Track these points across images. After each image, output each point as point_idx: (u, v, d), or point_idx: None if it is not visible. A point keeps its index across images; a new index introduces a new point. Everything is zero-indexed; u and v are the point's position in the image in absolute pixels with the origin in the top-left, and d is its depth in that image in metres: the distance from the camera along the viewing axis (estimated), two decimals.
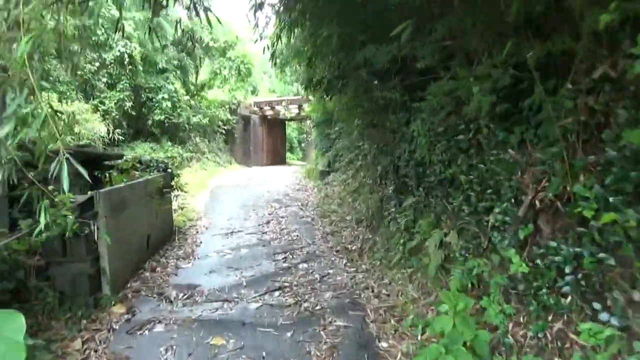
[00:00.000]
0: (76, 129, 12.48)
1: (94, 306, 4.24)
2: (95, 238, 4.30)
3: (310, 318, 4.04)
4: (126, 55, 15.29)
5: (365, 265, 5.47)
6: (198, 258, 6.23)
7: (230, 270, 5.60)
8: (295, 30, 6.32)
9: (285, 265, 5.75)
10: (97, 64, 15.04)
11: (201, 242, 7.17)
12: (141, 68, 16.33)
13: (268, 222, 8.63)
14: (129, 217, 5.20)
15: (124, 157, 7.03)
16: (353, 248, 6.29)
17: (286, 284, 4.94)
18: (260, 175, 18.57)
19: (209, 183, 15.44)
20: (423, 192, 4.46)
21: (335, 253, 6.22)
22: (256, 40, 7.50)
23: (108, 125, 14.75)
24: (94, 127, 13.02)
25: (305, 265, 5.71)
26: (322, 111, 17.53)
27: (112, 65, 15.36)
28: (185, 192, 8.54)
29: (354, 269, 5.41)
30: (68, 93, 14.10)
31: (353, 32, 4.82)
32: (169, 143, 18.04)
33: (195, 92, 21.08)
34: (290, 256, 6.17)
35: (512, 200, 3.17)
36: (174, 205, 8.12)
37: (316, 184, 13.79)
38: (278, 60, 17.11)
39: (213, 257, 6.25)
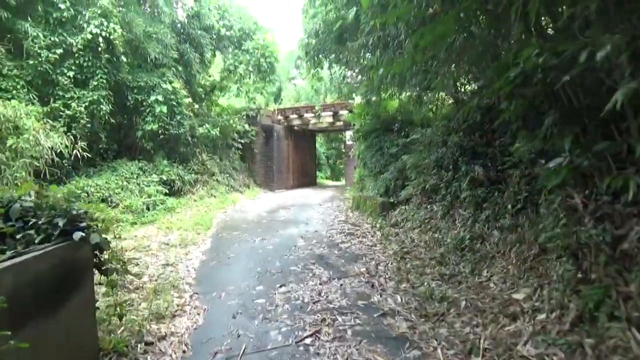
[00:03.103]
0: (10, 142, 8.40)
1: None
2: None
3: None
4: (101, 39, 11.28)
5: None
6: None
7: None
8: None
9: None
10: (60, 50, 11.06)
11: None
12: (125, 59, 12.30)
13: (315, 334, 4.16)
14: None
15: None
16: None
17: None
18: (287, 205, 14.22)
19: (215, 219, 11.17)
20: None
21: None
22: None
23: (73, 136, 10.70)
24: (39, 138, 8.90)
25: None
26: (372, 115, 13.28)
27: (82, 53, 11.36)
28: (135, 275, 4.18)
29: None
30: (15, 91, 10.16)
31: None
32: (165, 162, 13.92)
33: (202, 95, 17.02)
34: None
35: None
36: (102, 305, 3.81)
37: (375, 223, 9.32)
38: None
39: None
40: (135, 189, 12.27)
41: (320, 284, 5.70)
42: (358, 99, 18.15)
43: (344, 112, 19.78)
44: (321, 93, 32.19)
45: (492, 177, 6.49)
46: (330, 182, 31.51)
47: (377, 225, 8.92)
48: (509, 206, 5.74)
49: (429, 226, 7.61)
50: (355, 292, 5.31)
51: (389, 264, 6.37)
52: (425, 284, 5.23)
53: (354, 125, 15.70)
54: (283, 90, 36.04)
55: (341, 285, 5.60)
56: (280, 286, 5.68)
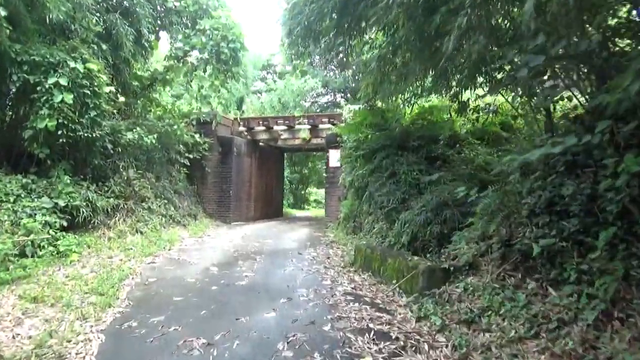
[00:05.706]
0: None
1: None
2: None
3: None
4: None
5: None
6: None
7: None
8: None
9: None
10: None
11: None
12: (4, 14, 7.98)
13: None
14: None
15: None
16: None
17: None
18: (250, 251, 9.90)
19: (128, 282, 6.81)
20: None
21: None
22: None
23: None
24: None
25: None
26: (383, 126, 9.50)
27: None
28: None
29: None
30: None
31: None
32: (68, 178, 9.38)
33: (137, 90, 12.67)
34: None
35: None
36: None
37: (423, 311, 5.19)
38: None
39: None
40: (7, 220, 7.77)
41: None
42: (349, 109, 14.36)
43: (325, 126, 15.92)
44: (289, 107, 28.40)
45: None
46: (298, 213, 27.34)
47: (432, 319, 4.83)
48: None
49: (567, 340, 3.64)
50: None
51: None
52: None
53: (346, 140, 11.85)
54: (244, 103, 31.98)
55: None
56: None
